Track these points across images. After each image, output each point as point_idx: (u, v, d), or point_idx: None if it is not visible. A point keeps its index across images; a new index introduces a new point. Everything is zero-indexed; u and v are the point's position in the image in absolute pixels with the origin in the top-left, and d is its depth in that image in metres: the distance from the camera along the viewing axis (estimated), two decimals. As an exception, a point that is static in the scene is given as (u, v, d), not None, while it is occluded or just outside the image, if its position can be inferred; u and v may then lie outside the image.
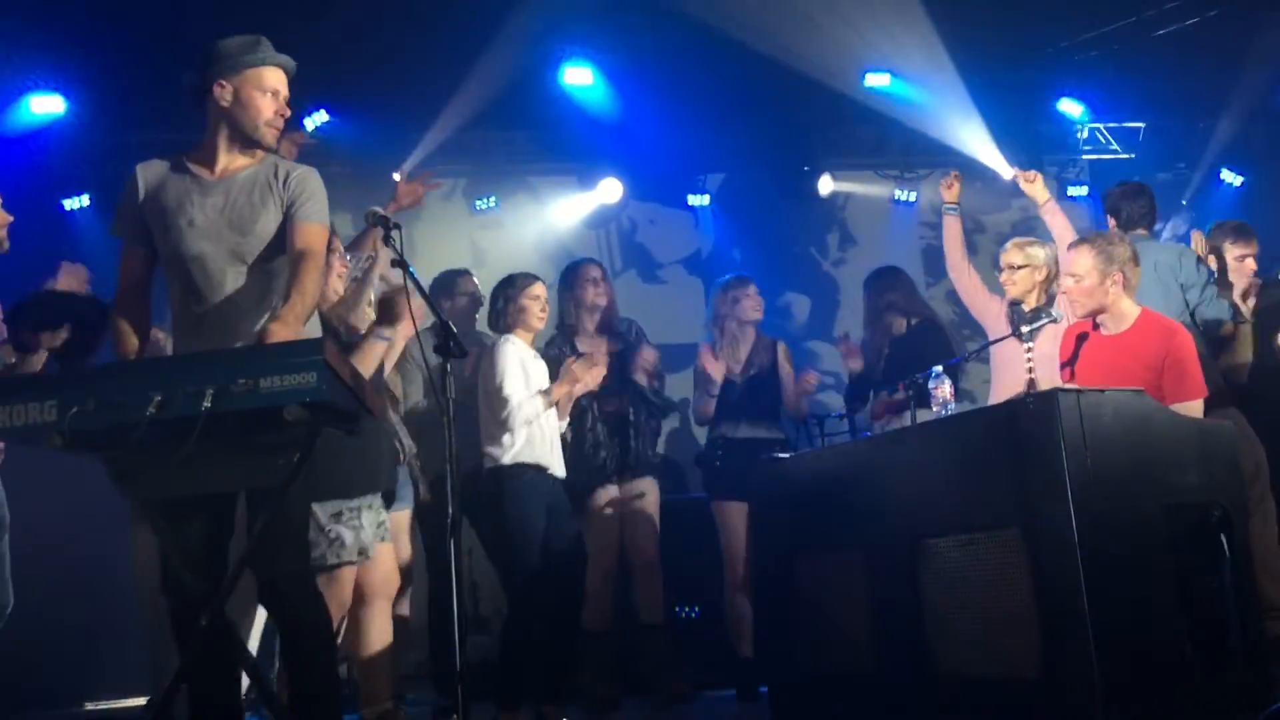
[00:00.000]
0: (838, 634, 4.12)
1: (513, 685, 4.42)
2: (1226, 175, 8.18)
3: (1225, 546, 3.52)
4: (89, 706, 6.16)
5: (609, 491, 5.17)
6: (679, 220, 8.17)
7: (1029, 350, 4.75)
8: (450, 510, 2.97)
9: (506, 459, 4.46)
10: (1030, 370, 4.79)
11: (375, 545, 3.93)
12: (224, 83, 3.13)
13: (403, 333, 3.92)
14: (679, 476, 6.76)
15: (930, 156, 8.41)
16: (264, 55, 3.15)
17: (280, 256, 3.14)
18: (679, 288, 8.11)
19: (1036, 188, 4.98)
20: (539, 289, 4.73)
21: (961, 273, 5.05)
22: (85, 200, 7.02)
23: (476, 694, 3.41)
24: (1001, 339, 4.70)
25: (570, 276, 5.37)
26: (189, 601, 2.90)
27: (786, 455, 4.72)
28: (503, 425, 4.45)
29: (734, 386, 5.42)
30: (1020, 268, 4.64)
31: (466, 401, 4.52)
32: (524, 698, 4.43)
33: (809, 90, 7.45)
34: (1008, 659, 3.46)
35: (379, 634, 4.06)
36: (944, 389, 4.14)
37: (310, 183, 3.19)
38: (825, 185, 7.95)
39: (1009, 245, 4.75)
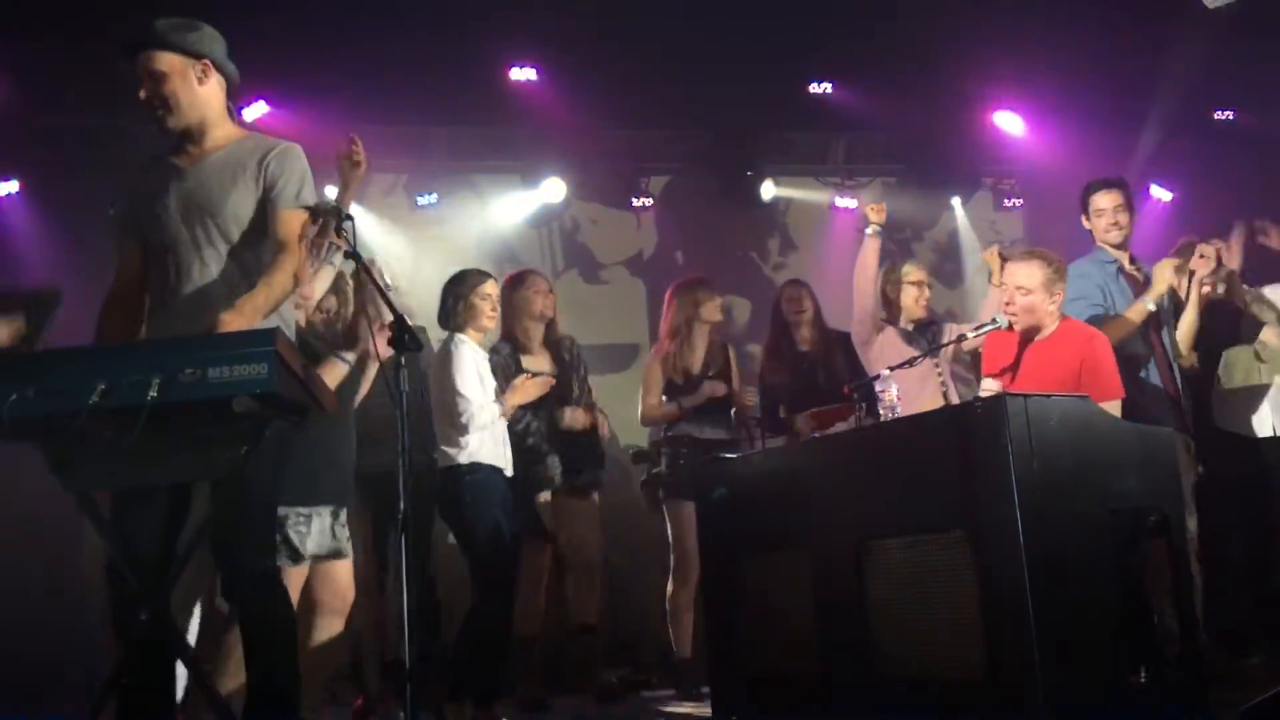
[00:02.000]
0: (783, 634, 4.13)
1: (491, 681, 4.41)
2: (1156, 191, 8.36)
3: (1163, 550, 3.61)
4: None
5: (548, 493, 5.16)
6: (622, 221, 8.15)
7: (937, 366, 4.90)
8: (401, 506, 2.93)
9: (463, 459, 4.44)
10: (943, 386, 4.92)
11: (327, 560, 3.86)
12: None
13: (364, 356, 3.90)
14: (621, 475, 6.76)
15: (871, 165, 8.52)
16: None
17: (261, 244, 3.08)
18: (621, 288, 8.09)
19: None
20: (490, 287, 4.71)
21: (867, 296, 5.14)
22: (14, 186, 6.81)
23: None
24: (949, 343, 4.80)
25: (519, 284, 5.33)
26: (130, 597, 2.82)
27: (734, 455, 4.73)
28: (460, 427, 4.44)
29: (692, 388, 5.44)
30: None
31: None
32: (462, 696, 4.41)
33: (752, 95, 7.50)
34: (952, 660, 3.49)
35: (318, 646, 3.98)
36: (891, 393, 4.18)
37: (289, 162, 3.13)
38: (767, 190, 7.99)
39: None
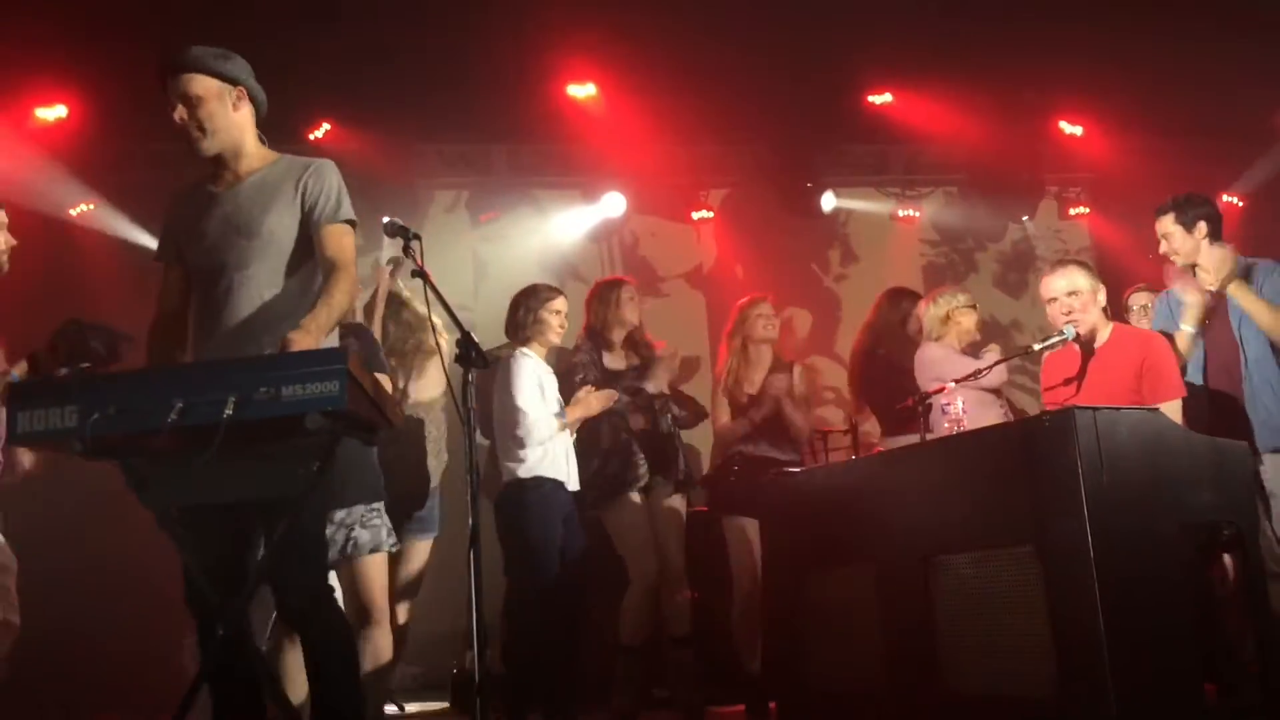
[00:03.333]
0: (848, 650, 4.10)
1: (523, 697, 4.42)
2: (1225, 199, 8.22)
3: (1238, 565, 3.54)
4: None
5: (637, 502, 5.12)
6: (681, 234, 8.18)
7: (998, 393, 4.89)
8: (470, 520, 2.96)
9: (524, 473, 4.47)
10: (1003, 406, 4.89)
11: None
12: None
13: None
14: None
15: (932, 174, 8.47)
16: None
17: (308, 262, 3.13)
18: (680, 301, 8.12)
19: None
20: (560, 303, 4.77)
21: None
22: (90, 206, 7.00)
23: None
24: (1015, 355, 4.75)
25: (612, 287, 5.40)
26: (209, 612, 2.88)
27: (798, 470, 4.72)
28: (519, 440, 4.47)
29: (762, 404, 5.43)
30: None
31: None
32: (532, 710, 4.43)
33: (811, 106, 7.50)
34: (1021, 677, 3.44)
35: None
36: (957, 406, 4.15)
37: (325, 178, 3.16)
38: (828, 202, 7.97)
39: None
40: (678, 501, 5.25)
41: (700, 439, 6.15)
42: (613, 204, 7.72)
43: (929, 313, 5.36)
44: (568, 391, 4.88)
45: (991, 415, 4.96)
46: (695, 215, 8.07)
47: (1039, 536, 3.41)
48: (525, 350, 4.66)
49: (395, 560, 4.71)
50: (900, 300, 5.83)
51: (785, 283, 8.10)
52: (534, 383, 4.55)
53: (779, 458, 5.29)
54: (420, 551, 4.80)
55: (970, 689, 3.59)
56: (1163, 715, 3.21)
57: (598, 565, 4.92)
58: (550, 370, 4.75)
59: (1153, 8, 6.88)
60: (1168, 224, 4.68)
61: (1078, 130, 8.03)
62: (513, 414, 4.48)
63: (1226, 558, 3.95)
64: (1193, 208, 4.67)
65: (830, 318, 8.24)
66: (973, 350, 5.32)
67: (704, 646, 5.52)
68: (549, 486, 4.48)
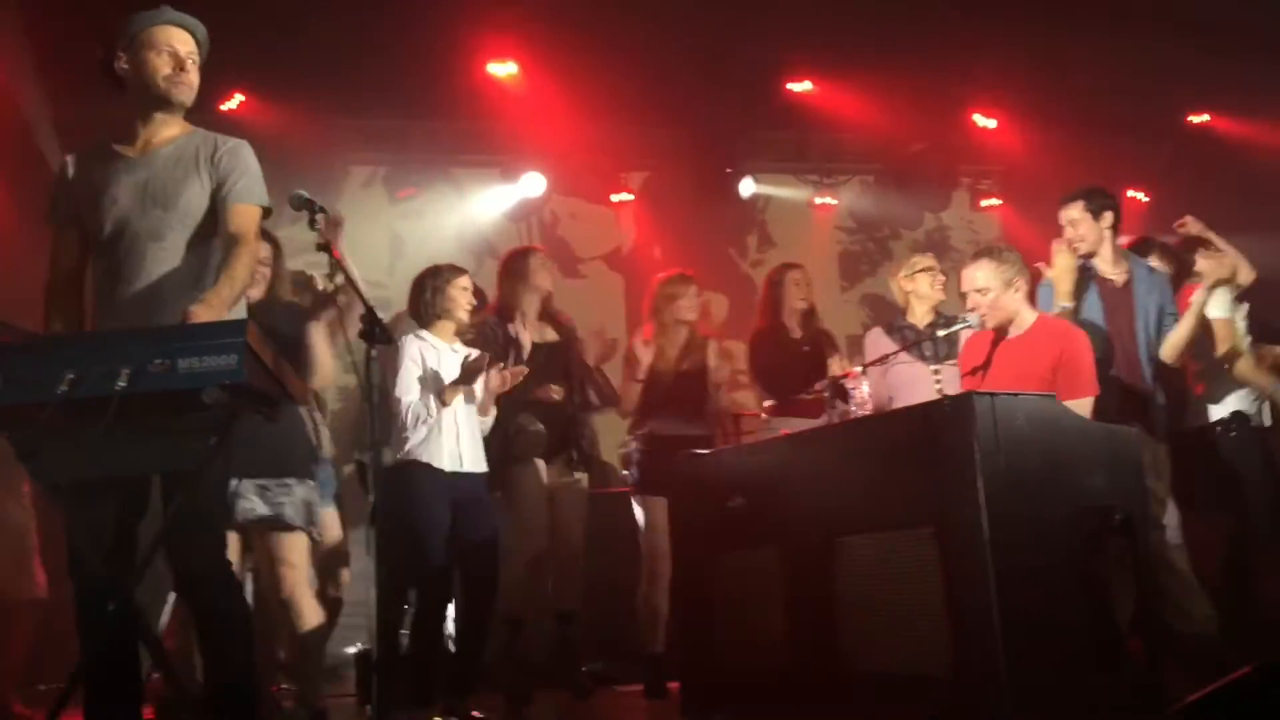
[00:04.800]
0: (753, 631, 4.14)
1: (423, 682, 4.40)
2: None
3: (1128, 549, 3.65)
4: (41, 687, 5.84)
5: (538, 474, 5.12)
6: (600, 216, 8.18)
7: (936, 372, 4.93)
8: (370, 497, 2.94)
9: (401, 456, 4.48)
10: (939, 384, 4.94)
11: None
12: (121, 54, 3.12)
13: None
14: (601, 470, 6.77)
15: (850, 163, 8.57)
16: (153, 16, 3.12)
17: (213, 238, 3.08)
18: (599, 283, 8.12)
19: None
20: (466, 280, 4.72)
21: None
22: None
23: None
24: (917, 341, 4.82)
25: (521, 256, 5.39)
26: (96, 587, 2.82)
27: (707, 451, 4.74)
28: (398, 425, 4.48)
29: (665, 383, 5.43)
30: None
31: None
32: (435, 694, 4.41)
33: (732, 92, 7.53)
34: (917, 657, 3.50)
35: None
36: (862, 390, 4.21)
37: (241, 159, 3.13)
38: (746, 187, 8.02)
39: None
40: (579, 478, 5.26)
41: (605, 419, 6.16)
42: (532, 184, 7.69)
43: (894, 289, 5.41)
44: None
45: (924, 395, 4.97)
46: (615, 197, 8.07)
47: (938, 519, 3.47)
48: (420, 332, 4.61)
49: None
50: (780, 275, 5.83)
51: (703, 266, 8.07)
52: (413, 367, 4.50)
53: (692, 436, 5.31)
54: (329, 520, 4.75)
55: (869, 667, 3.65)
56: (1053, 695, 3.29)
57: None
58: (454, 348, 4.69)
59: (1068, 6, 7.03)
60: (1076, 211, 4.79)
61: (991, 123, 8.17)
62: (390, 400, 4.48)
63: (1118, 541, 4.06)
64: (1100, 198, 4.80)
65: (746, 302, 8.26)
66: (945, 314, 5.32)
67: (605, 626, 5.56)
68: (421, 471, 4.44)
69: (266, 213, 3.18)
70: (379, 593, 2.97)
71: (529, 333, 5.21)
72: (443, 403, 4.50)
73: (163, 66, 3.10)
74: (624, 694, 5.48)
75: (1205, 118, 8.19)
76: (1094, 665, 3.46)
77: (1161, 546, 4.46)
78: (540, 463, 5.14)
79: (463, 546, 4.50)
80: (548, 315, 5.35)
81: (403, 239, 7.69)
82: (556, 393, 4.94)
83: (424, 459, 4.47)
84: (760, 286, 6.05)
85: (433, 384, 4.52)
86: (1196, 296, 4.75)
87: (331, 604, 4.83)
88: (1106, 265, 4.79)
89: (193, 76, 3.16)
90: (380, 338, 3.02)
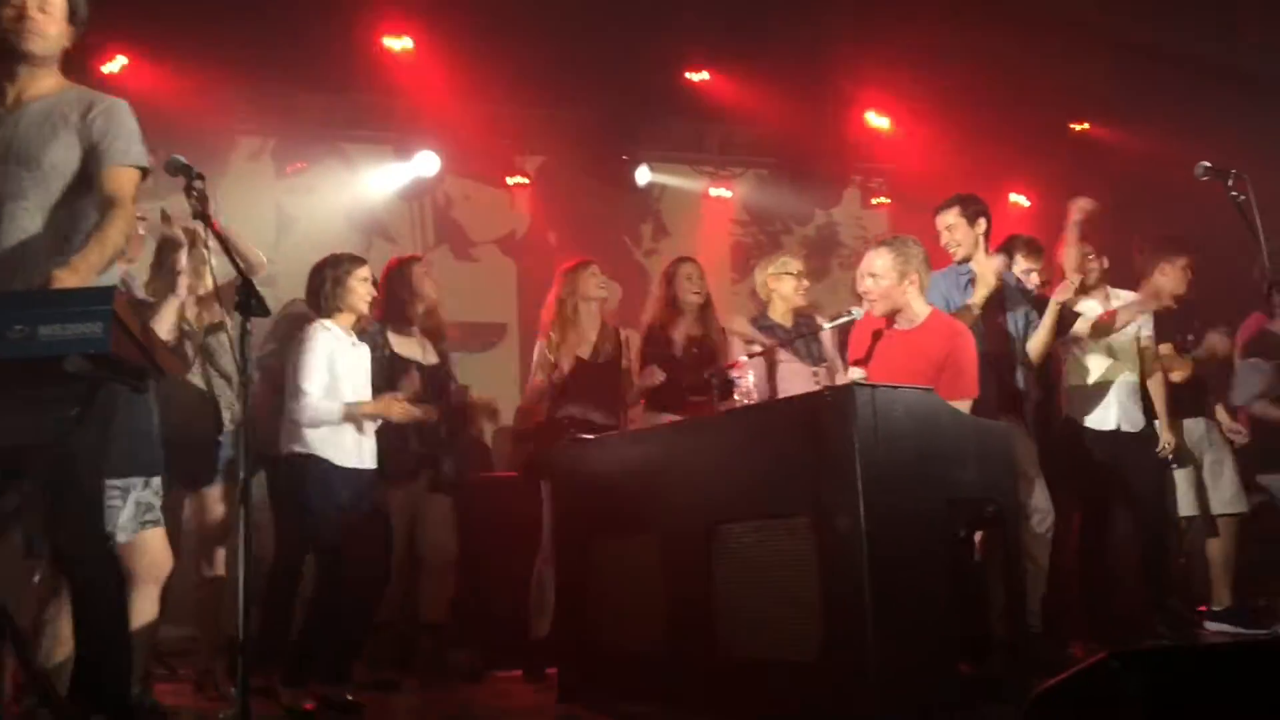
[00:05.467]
0: (631, 617, 4.16)
1: (298, 665, 4.35)
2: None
3: (998, 542, 3.75)
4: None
5: (405, 491, 5.17)
6: (495, 199, 8.10)
7: (816, 374, 5.03)
8: (241, 475, 2.86)
9: (300, 448, 4.41)
10: (816, 378, 5.03)
11: (139, 531, 3.71)
12: None
13: None
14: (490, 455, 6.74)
15: (745, 156, 8.63)
16: None
17: (83, 199, 2.95)
18: (492, 266, 8.05)
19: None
20: (367, 271, 4.66)
21: None
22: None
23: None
24: (804, 334, 4.88)
25: (406, 264, 5.37)
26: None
27: (590, 437, 4.74)
28: (297, 419, 4.40)
29: (581, 371, 5.42)
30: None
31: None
32: (310, 678, 4.35)
33: (632, 80, 7.52)
34: (789, 644, 3.55)
35: (138, 618, 3.86)
36: (747, 381, 4.24)
37: (117, 118, 3.00)
38: (642, 175, 8.02)
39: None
40: (445, 494, 5.32)
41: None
42: (426, 163, 7.56)
43: (755, 280, 5.46)
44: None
45: (804, 387, 5.05)
46: (510, 180, 7.99)
47: (815, 508, 3.51)
48: (326, 323, 4.52)
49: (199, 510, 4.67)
50: (674, 270, 5.86)
51: (597, 254, 8.03)
52: (324, 362, 4.42)
53: (600, 422, 5.32)
54: (214, 498, 4.67)
55: (743, 654, 3.69)
56: (919, 683, 3.36)
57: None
58: (354, 342, 4.62)
59: (962, 13, 7.18)
60: (952, 217, 4.97)
61: (884, 123, 8.30)
62: (295, 391, 4.39)
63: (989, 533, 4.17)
64: (974, 204, 4.98)
65: (639, 291, 8.29)
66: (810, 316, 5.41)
67: (491, 611, 5.55)
68: (319, 465, 4.38)
69: (145, 175, 3.06)
70: (243, 574, 2.88)
71: (408, 345, 5.18)
72: (347, 417, 4.46)
73: (5, 15, 2.95)
74: (501, 679, 5.45)
75: (1085, 125, 8.43)
76: (961, 656, 3.55)
77: (1027, 539, 4.61)
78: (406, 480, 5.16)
79: (353, 538, 4.46)
80: (430, 332, 5.32)
81: (290, 214, 7.50)
82: (431, 414, 4.91)
83: (322, 454, 4.41)
84: (656, 279, 6.07)
85: (336, 381, 4.46)
86: (1051, 304, 4.93)
87: (210, 584, 4.72)
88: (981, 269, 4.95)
89: (43, 24, 2.99)
90: (257, 310, 2.94)
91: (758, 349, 4.90)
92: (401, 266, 5.38)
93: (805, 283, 5.42)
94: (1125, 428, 5.35)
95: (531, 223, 8.19)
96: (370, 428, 4.59)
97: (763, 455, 3.74)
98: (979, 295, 4.79)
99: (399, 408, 4.59)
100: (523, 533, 5.39)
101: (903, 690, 3.30)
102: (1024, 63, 7.52)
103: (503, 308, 7.92)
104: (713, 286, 5.91)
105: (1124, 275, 5.77)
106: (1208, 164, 4.16)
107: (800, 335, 5.07)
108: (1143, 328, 5.45)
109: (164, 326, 4.13)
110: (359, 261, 4.69)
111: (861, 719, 3.26)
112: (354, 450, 4.50)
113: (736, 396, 4.31)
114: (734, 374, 4.37)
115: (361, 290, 4.58)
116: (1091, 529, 5.34)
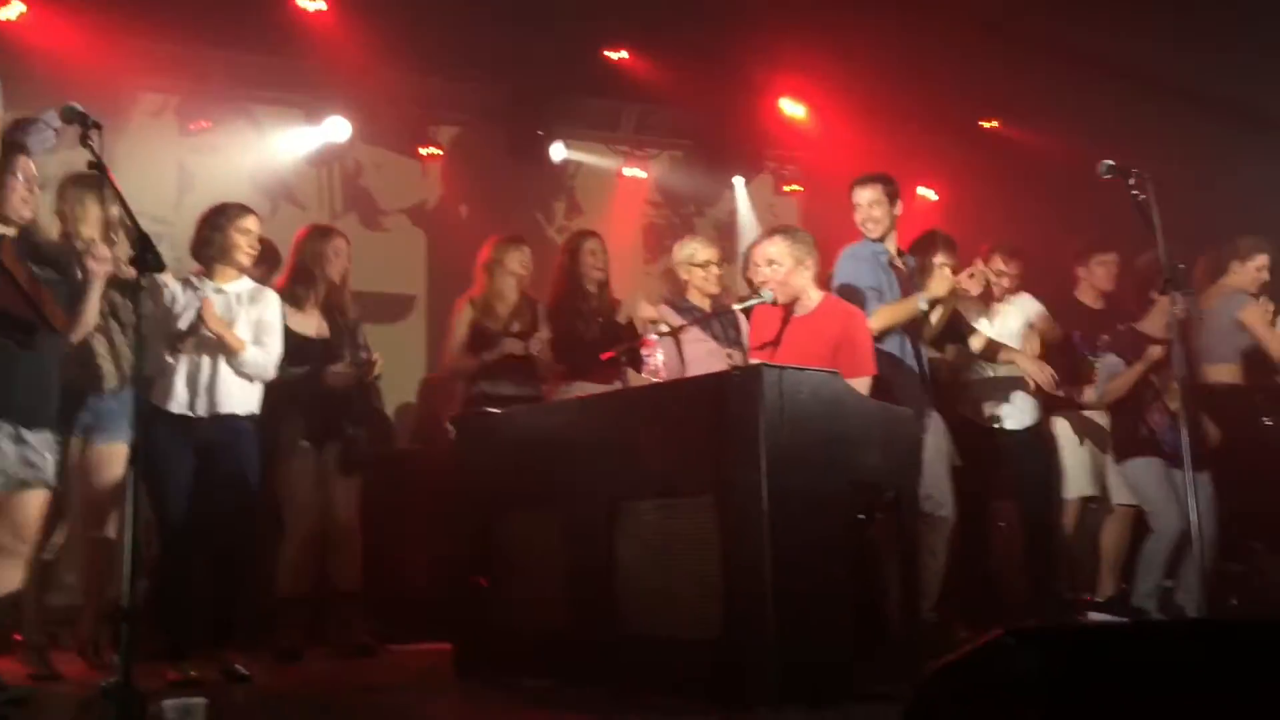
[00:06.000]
0: (531, 592, 4.14)
1: (177, 634, 4.25)
2: (922, 190, 8.77)
3: (895, 525, 3.80)
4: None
5: (308, 459, 5.10)
6: (407, 169, 7.95)
7: (730, 355, 5.05)
8: (132, 437, 2.77)
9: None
10: (730, 357, 5.05)
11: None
12: None
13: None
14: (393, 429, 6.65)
15: (661, 136, 8.61)
16: None
17: None
18: (401, 237, 7.91)
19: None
20: (251, 222, 4.49)
21: None
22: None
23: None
24: (712, 315, 4.90)
25: (322, 236, 5.30)
26: None
27: (495, 411, 4.69)
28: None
29: (494, 343, 5.42)
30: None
31: None
32: (185, 647, 4.26)
33: (550, 54, 7.44)
34: (691, 622, 3.58)
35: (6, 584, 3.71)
36: (655, 359, 4.23)
37: None
38: (557, 151, 7.96)
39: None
40: (352, 466, 5.25)
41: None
42: (336, 129, 7.38)
43: (675, 259, 5.47)
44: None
45: (717, 367, 5.05)
46: (423, 150, 7.86)
47: (719, 487, 3.53)
48: (192, 276, 4.38)
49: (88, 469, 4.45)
50: (577, 244, 5.83)
51: (509, 228, 7.99)
52: (162, 312, 4.28)
53: (521, 396, 5.28)
54: (106, 457, 4.45)
55: (645, 630, 3.71)
56: (817, 661, 3.41)
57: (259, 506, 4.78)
58: (221, 288, 4.46)
59: (880, 6, 7.25)
60: (875, 193, 4.96)
61: (799, 110, 8.35)
62: None
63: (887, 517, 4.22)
64: (893, 185, 5.02)
65: (548, 266, 8.24)
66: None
67: (393, 585, 5.49)
68: (157, 414, 4.22)
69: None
70: (130, 539, 2.79)
71: (305, 321, 5.10)
72: (176, 346, 4.30)
73: None
74: (397, 651, 5.39)
75: (995, 123, 8.58)
76: (859, 637, 3.59)
77: (931, 523, 4.68)
78: (307, 445, 5.10)
79: (206, 492, 4.34)
80: (329, 306, 5.24)
81: (192, 174, 7.27)
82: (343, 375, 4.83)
83: (165, 406, 4.28)
84: (560, 250, 6.06)
85: (163, 324, 4.29)
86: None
87: (100, 545, 4.58)
88: (894, 251, 5.00)
89: None
90: (153, 264, 2.84)
91: (665, 329, 4.90)
92: (314, 239, 5.25)
93: (716, 270, 5.42)
94: (1010, 425, 5.48)
95: (443, 194, 8.07)
96: (216, 373, 4.38)
97: (669, 433, 3.75)
98: (931, 293, 4.83)
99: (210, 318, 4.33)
100: (427, 507, 5.35)
101: (802, 670, 3.34)
102: (937, 59, 7.62)
103: (411, 279, 7.80)
104: (625, 267, 5.92)
105: (1033, 274, 5.91)
106: (1110, 162, 4.25)
107: (714, 315, 5.07)
108: (1031, 315, 5.61)
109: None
110: (246, 211, 4.53)
111: (760, 696, 3.29)
112: (181, 398, 4.31)
113: (645, 374, 4.31)
114: (643, 352, 4.36)
115: (241, 241, 4.43)
116: (975, 520, 5.44)
